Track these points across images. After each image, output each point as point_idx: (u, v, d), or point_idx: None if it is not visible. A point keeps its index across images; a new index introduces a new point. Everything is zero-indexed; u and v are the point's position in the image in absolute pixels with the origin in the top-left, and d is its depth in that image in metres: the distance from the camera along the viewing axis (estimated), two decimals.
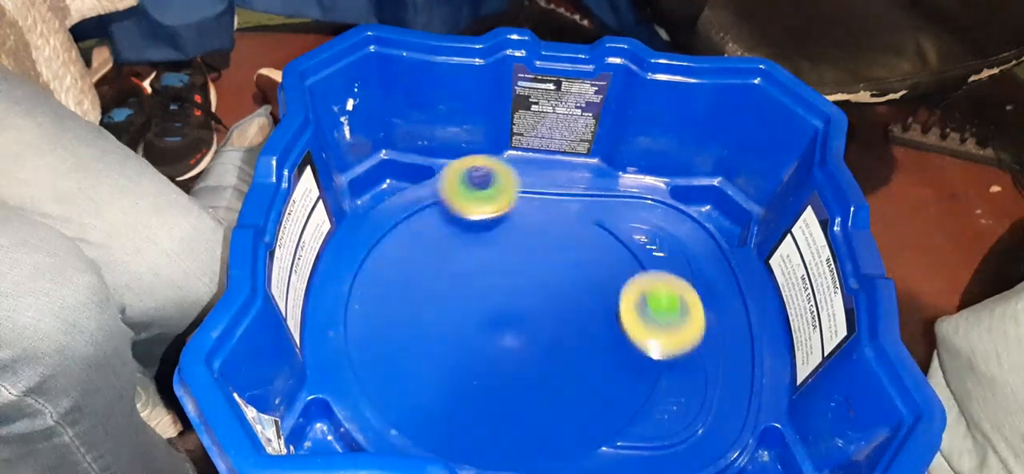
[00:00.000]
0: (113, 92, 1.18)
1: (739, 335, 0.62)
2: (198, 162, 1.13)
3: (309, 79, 0.62)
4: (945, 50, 0.85)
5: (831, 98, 0.77)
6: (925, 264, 1.13)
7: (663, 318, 0.60)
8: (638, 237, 0.69)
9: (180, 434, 0.81)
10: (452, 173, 0.69)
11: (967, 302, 1.08)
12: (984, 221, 1.20)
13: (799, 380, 0.58)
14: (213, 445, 0.41)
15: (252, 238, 0.50)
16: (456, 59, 0.66)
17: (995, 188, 1.25)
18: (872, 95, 0.83)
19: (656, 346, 0.59)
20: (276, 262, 0.53)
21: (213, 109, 1.23)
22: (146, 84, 1.19)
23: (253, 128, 1.12)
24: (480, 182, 0.68)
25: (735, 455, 0.55)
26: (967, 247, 1.16)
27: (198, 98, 1.18)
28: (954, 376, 0.81)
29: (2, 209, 0.55)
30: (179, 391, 0.43)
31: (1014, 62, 0.87)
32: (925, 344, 1.04)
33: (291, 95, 0.59)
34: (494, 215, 0.68)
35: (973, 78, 0.86)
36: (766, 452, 0.56)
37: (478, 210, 0.67)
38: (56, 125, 0.62)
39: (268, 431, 0.46)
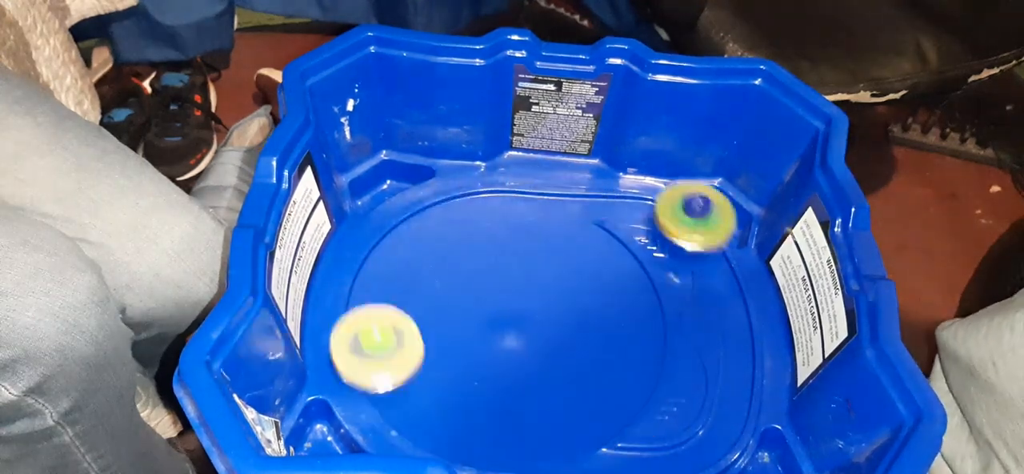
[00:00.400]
0: (113, 92, 1.18)
1: (740, 336, 0.62)
2: (198, 162, 1.13)
3: (309, 79, 0.62)
4: (945, 50, 0.85)
5: (831, 98, 0.77)
6: (925, 264, 1.13)
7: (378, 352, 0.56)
8: (639, 238, 0.69)
9: (180, 434, 0.81)
10: (671, 196, 0.68)
11: (967, 302, 1.09)
12: (984, 221, 1.20)
13: (800, 381, 0.58)
14: (213, 446, 0.41)
15: (252, 239, 0.49)
16: (456, 60, 0.66)
17: (995, 188, 1.25)
18: (872, 95, 0.83)
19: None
20: (276, 263, 0.53)
21: (213, 109, 1.23)
22: (146, 84, 1.19)
23: (253, 128, 1.12)
24: (699, 211, 0.66)
25: (735, 456, 0.55)
26: (967, 247, 1.16)
27: (198, 98, 1.18)
28: (956, 382, 0.81)
29: (2, 209, 0.55)
30: (179, 392, 0.43)
31: (1014, 62, 0.86)
32: (925, 344, 1.03)
33: (291, 96, 0.59)
34: (706, 250, 0.66)
35: (973, 78, 0.86)
36: (767, 453, 0.56)
37: (690, 240, 0.66)
38: (56, 125, 0.62)
39: (268, 432, 0.46)
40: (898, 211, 1.21)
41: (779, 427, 0.56)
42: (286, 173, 0.55)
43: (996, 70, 0.86)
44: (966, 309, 1.07)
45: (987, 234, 1.17)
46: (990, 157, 1.26)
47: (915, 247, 1.16)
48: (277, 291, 0.52)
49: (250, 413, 0.45)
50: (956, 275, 1.12)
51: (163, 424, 0.79)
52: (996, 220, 1.20)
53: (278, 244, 0.53)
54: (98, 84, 1.17)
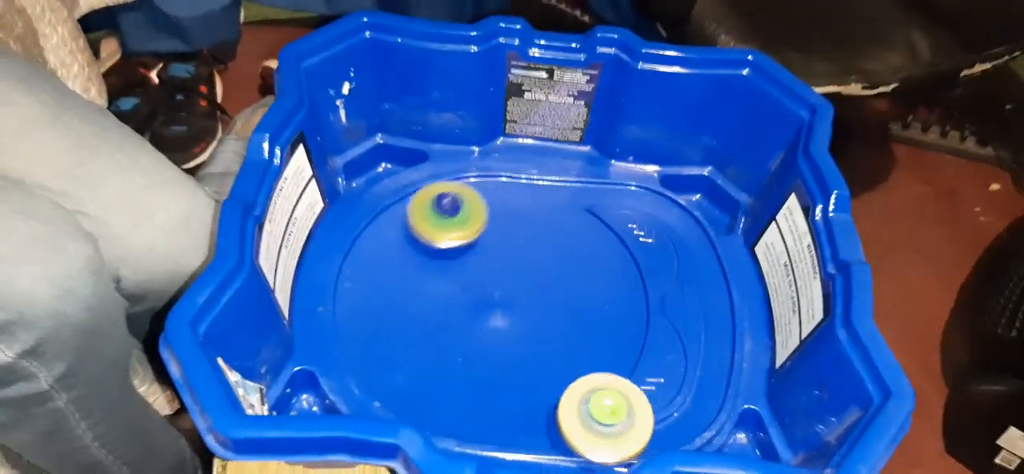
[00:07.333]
0: (120, 82, 1.20)
1: (721, 320, 0.63)
2: (203, 151, 1.15)
3: (305, 62, 0.63)
4: (936, 44, 0.85)
5: (822, 90, 0.77)
6: (924, 261, 1.13)
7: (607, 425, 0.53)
8: (628, 224, 0.70)
9: (177, 413, 0.83)
10: (419, 201, 0.67)
11: (965, 301, 1.08)
12: (983, 219, 1.20)
13: (778, 364, 0.58)
14: (194, 404, 0.42)
15: (241, 210, 0.51)
16: (450, 46, 0.67)
17: (994, 186, 1.25)
18: (863, 87, 0.83)
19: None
20: (266, 235, 0.54)
21: (218, 100, 1.25)
22: (153, 74, 1.21)
23: (258, 118, 1.13)
24: (449, 209, 0.66)
25: (711, 435, 0.56)
26: (966, 245, 1.16)
27: (204, 89, 1.20)
28: None
29: (1, 181, 0.57)
30: (164, 353, 0.44)
31: (1006, 57, 0.87)
32: (924, 341, 1.03)
33: (286, 77, 0.61)
34: (464, 242, 0.66)
35: (965, 73, 0.86)
36: (744, 433, 0.57)
37: (447, 237, 0.65)
38: (58, 103, 0.64)
39: (251, 396, 0.48)
40: (897, 208, 1.21)
41: (756, 408, 0.57)
42: (277, 150, 0.56)
43: (988, 65, 0.86)
44: (964, 307, 1.07)
45: (986, 232, 1.17)
46: (990, 155, 1.26)
47: (914, 244, 1.16)
48: (266, 262, 0.54)
49: (233, 376, 0.46)
50: (955, 273, 1.13)
51: (159, 402, 0.80)
52: (995, 218, 1.20)
53: (268, 218, 0.55)
54: (106, 74, 1.19)
